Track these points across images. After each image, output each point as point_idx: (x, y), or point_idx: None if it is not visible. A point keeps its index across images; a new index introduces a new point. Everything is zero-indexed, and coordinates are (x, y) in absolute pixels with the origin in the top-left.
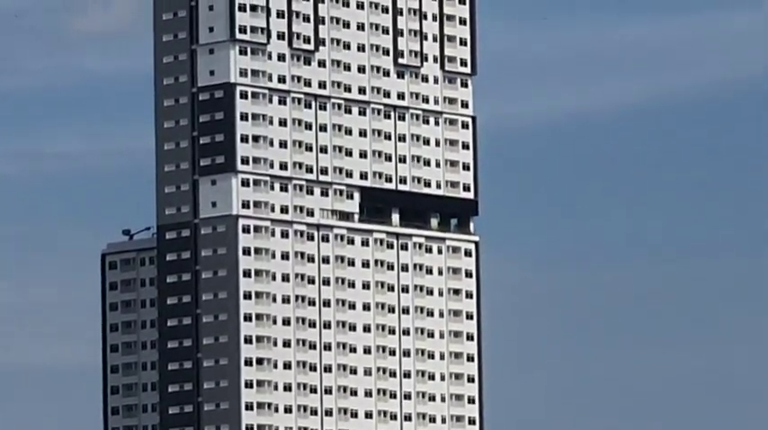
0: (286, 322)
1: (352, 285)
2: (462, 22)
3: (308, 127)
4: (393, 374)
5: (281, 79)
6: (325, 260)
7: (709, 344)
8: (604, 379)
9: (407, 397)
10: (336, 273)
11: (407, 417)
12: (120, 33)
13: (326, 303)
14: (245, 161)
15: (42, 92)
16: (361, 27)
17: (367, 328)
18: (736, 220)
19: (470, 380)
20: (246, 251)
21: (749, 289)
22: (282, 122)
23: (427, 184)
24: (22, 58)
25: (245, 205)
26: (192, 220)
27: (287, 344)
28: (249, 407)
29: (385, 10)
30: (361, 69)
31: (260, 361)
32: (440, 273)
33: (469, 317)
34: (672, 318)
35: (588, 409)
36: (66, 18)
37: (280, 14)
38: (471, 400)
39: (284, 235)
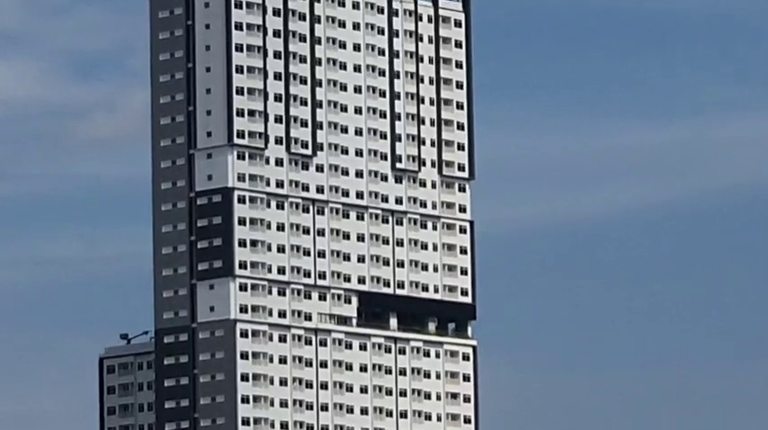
0: (284, 426)
1: (350, 389)
2: (460, 127)
3: (306, 231)
4: None
5: (279, 184)
6: (323, 364)
7: None
8: None
9: None
10: (334, 378)
11: None
12: (122, 138)
13: (324, 407)
14: (242, 265)
15: (41, 196)
16: (358, 132)
17: None
18: (736, 327)
19: None
20: (244, 355)
21: (751, 396)
22: (280, 227)
23: (425, 289)
24: (21, 163)
25: (243, 309)
26: (190, 325)
27: None
28: None
29: (383, 115)
30: (359, 174)
31: None
32: (437, 377)
33: (467, 421)
34: (671, 425)
35: None
36: (69, 123)
37: (278, 119)
38: None
39: (282, 339)
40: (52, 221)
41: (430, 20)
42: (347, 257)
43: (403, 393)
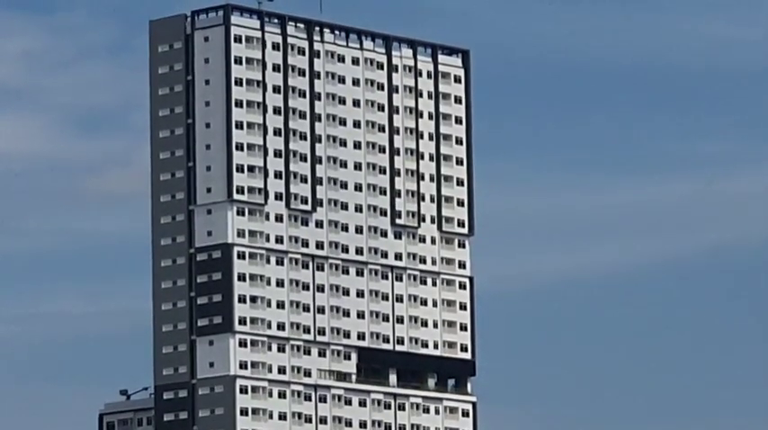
0: None
1: None
2: (459, 183)
3: (306, 287)
4: None
5: (279, 240)
6: (323, 420)
7: None
8: None
9: None
10: None
11: None
12: (122, 194)
13: None
14: (242, 321)
15: (41, 252)
16: (358, 188)
17: None
18: (741, 383)
19: None
20: (244, 411)
21: None
22: (280, 283)
23: (424, 345)
24: (21, 218)
25: (243, 366)
26: (190, 381)
27: None
28: None
29: (382, 171)
30: (359, 230)
31: None
32: None
33: None
34: None
35: None
36: (69, 179)
37: (277, 175)
38: None
39: (282, 395)
40: (52, 276)
41: (429, 75)
42: (347, 313)
43: None
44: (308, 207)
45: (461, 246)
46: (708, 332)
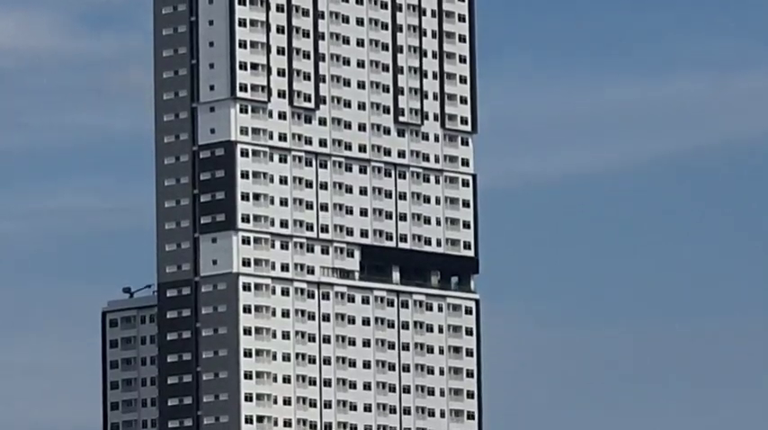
0: (286, 380)
1: (352, 343)
2: (462, 80)
3: (309, 185)
4: None
5: (282, 137)
6: (326, 318)
7: (710, 405)
8: None
9: None
10: (337, 331)
11: None
12: (125, 91)
13: (327, 361)
14: (245, 219)
15: (43, 149)
16: (361, 85)
17: (367, 386)
18: (739, 280)
19: None
20: (247, 309)
21: (755, 350)
22: (283, 180)
23: (428, 242)
24: (23, 114)
25: (246, 263)
26: (193, 278)
27: (287, 401)
28: None
29: (385, 68)
30: (362, 127)
31: (260, 418)
32: (440, 330)
33: (470, 375)
34: (673, 380)
35: None
36: (72, 75)
37: (280, 73)
38: None
39: (285, 292)
40: (54, 173)
41: None
42: (350, 211)
43: (405, 347)
44: (312, 104)
45: (464, 143)
46: (712, 230)
